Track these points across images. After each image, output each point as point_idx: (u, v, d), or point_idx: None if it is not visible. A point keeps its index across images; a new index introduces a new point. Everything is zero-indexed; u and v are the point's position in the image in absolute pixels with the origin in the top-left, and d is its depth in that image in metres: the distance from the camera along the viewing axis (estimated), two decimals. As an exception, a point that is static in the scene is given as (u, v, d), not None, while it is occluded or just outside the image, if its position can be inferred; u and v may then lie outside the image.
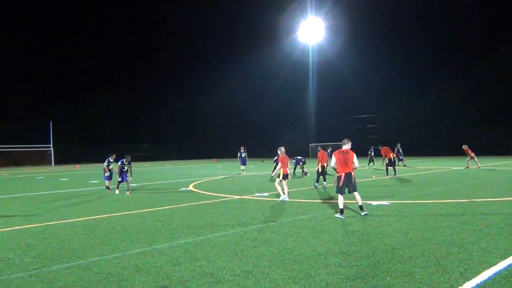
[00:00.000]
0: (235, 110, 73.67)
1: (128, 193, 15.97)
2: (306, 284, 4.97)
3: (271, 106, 67.10)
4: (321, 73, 61.47)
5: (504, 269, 5.36)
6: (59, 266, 6.08)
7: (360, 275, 5.23)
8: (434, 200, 11.86)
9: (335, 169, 9.93)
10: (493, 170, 23.60)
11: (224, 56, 71.19)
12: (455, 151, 35.98)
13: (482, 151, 38.94)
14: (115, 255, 6.62)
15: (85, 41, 68.90)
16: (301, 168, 23.62)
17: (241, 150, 26.71)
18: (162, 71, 74.85)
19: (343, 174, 9.50)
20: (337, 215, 9.48)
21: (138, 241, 7.53)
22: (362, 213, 9.56)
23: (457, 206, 10.52)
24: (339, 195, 9.51)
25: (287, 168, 12.89)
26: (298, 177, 22.10)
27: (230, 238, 7.59)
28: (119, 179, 16.30)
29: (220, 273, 5.49)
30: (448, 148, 47.20)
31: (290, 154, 31.92)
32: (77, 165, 52.54)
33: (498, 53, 49.17)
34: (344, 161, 9.57)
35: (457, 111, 51.85)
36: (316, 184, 16.60)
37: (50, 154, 59.75)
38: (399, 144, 31.23)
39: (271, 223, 8.94)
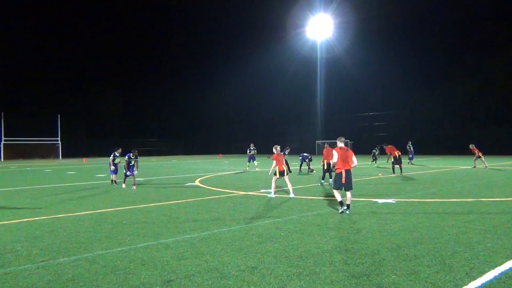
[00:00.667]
0: (242, 106, 73.65)
1: (134, 187, 16.06)
2: (311, 280, 4.99)
3: (278, 103, 66.98)
4: (329, 70, 61.24)
5: (510, 269, 5.34)
6: (66, 258, 6.14)
7: (365, 273, 5.24)
8: (440, 199, 11.82)
9: (333, 166, 9.96)
10: (500, 170, 23.45)
11: (233, 52, 71.06)
12: (463, 150, 35.74)
13: (490, 150, 38.69)
14: (121, 248, 6.67)
15: (94, 35, 69.06)
16: (307, 165, 23.59)
17: (250, 147, 26.75)
18: (171, 66, 74.91)
19: (343, 171, 9.63)
20: (340, 209, 9.65)
21: (144, 235, 7.58)
22: (347, 211, 9.59)
23: (464, 205, 10.47)
24: (335, 191, 9.77)
25: (283, 165, 12.92)
26: (304, 174, 22.10)
27: (235, 233, 7.62)
28: (128, 173, 16.36)
29: (225, 268, 5.52)
30: (455, 147, 46.91)
31: (296, 151, 31.95)
32: (84, 159, 52.87)
33: (508, 52, 48.65)
34: (346, 158, 9.73)
35: (465, 110, 51.46)
36: (322, 181, 16.61)
37: (58, 148, 60.26)
38: (410, 142, 31.10)
39: (276, 220, 8.96)
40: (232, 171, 25.76)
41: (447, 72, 53.02)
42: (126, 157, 16.47)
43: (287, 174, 13.01)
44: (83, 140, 65.04)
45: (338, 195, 9.84)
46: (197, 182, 18.30)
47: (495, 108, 49.43)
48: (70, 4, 66.99)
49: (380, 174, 21.12)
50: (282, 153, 13.77)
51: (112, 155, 17.70)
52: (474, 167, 25.24)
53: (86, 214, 10.12)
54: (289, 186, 12.94)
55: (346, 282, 4.91)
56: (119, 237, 7.45)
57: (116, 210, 10.71)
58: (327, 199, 12.15)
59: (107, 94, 67.24)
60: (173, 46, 74.58)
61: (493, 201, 11.27)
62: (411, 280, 4.94)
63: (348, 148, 10.01)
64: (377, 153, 28.69)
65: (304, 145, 55.41)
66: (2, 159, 54.64)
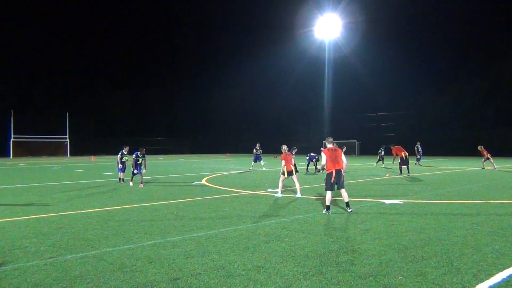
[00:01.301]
0: (249, 105, 73.66)
1: (141, 185, 16.13)
2: (317, 280, 4.98)
3: (286, 102, 66.94)
4: (337, 70, 61.02)
5: (519, 271, 5.30)
6: (74, 255, 6.18)
7: (372, 274, 5.22)
8: (448, 200, 11.74)
9: (324, 167, 10.01)
10: (509, 171, 23.25)
11: (240, 51, 71.09)
12: (471, 152, 35.50)
13: (499, 152, 38.39)
14: (128, 246, 6.70)
15: (102, 34, 69.50)
16: (314, 165, 23.56)
17: (257, 147, 26.75)
18: (178, 65, 75.14)
19: (334, 171, 9.69)
20: (324, 211, 9.69)
21: (151, 233, 7.62)
22: (349, 210, 9.68)
23: (472, 207, 10.40)
24: (328, 192, 9.74)
25: (291, 165, 12.92)
26: (311, 174, 22.07)
27: (242, 232, 7.63)
28: (135, 171, 16.44)
29: (231, 267, 5.53)
30: (464, 148, 46.58)
31: (303, 151, 31.92)
32: (92, 157, 53.18)
33: (517, 53, 48.31)
34: (335, 158, 9.80)
35: (474, 111, 51.08)
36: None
37: (66, 145, 60.71)
38: (418, 143, 30.95)
39: (283, 219, 8.96)
40: (239, 171, 25.78)
41: (456, 72, 52.68)
42: (134, 155, 16.54)
43: (294, 173, 13.01)
44: (91, 138, 65.51)
45: (329, 197, 9.75)
46: (204, 181, 18.34)
47: (505, 109, 49.00)
48: (79, 3, 67.45)
49: (387, 175, 21.03)
50: (290, 152, 13.79)
51: (120, 153, 17.79)
52: (483, 168, 25.05)
53: (94, 211, 10.19)
54: (297, 186, 12.93)
55: (352, 283, 4.90)
56: (126, 235, 7.49)
57: (123, 208, 10.77)
58: (334, 200, 12.11)
59: (115, 93, 67.66)
60: (181, 45, 74.85)
61: (502, 203, 11.18)
62: (418, 282, 4.92)
63: (337, 148, 10.15)
64: (382, 153, 28.56)
65: (311, 145, 55.23)
66: (11, 156, 55.11)
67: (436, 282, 4.89)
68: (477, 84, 50.40)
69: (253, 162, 26.70)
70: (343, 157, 10.02)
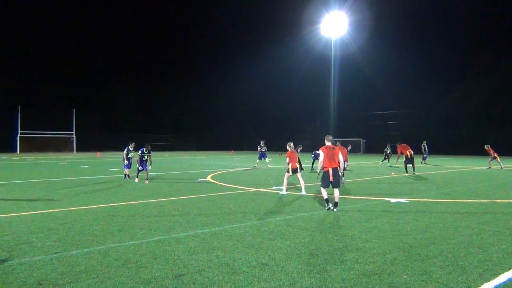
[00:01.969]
0: (255, 103, 73.63)
1: (147, 181, 16.18)
2: (321, 278, 4.98)
3: (292, 100, 66.82)
4: (343, 68, 60.82)
5: (524, 271, 5.26)
6: (80, 250, 6.22)
7: (376, 272, 5.21)
8: (454, 199, 11.69)
9: (321, 165, 10.03)
10: (516, 171, 23.09)
11: (247, 49, 71.04)
12: (478, 151, 35.30)
13: (506, 151, 38.11)
14: (133, 242, 6.73)
15: (109, 30, 69.69)
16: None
17: (261, 144, 26.76)
18: (185, 62, 75.18)
19: (330, 169, 9.75)
20: (327, 207, 9.77)
21: (156, 229, 7.64)
22: (335, 209, 9.67)
23: (478, 206, 10.35)
24: (323, 189, 9.87)
25: (296, 163, 12.92)
26: (316, 172, 21.99)
27: (246, 230, 7.63)
28: (140, 167, 16.51)
29: (236, 264, 5.53)
30: (470, 147, 46.30)
31: (309, 148, 31.84)
32: (98, 153, 53.43)
33: (525, 51, 47.89)
34: (332, 156, 9.85)
35: (481, 110, 50.74)
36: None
37: (72, 141, 61.06)
38: (425, 142, 30.84)
39: (288, 217, 8.96)
40: (244, 168, 25.80)
41: (463, 71, 52.32)
42: (140, 151, 16.60)
43: (299, 171, 13.01)
44: (97, 134, 65.83)
45: (325, 193, 9.93)
46: (209, 178, 18.37)
47: (512, 108, 48.66)
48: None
49: (393, 173, 20.96)
50: (295, 150, 13.78)
51: (126, 150, 17.85)
52: (489, 168, 24.90)
53: (100, 207, 10.23)
54: (301, 183, 12.92)
55: (357, 281, 4.89)
56: (132, 231, 7.52)
57: (128, 204, 10.81)
58: (339, 197, 12.08)
59: (121, 89, 67.87)
60: (188, 42, 74.92)
61: (508, 202, 11.11)
62: (423, 281, 4.90)
63: (335, 147, 10.15)
64: (388, 151, 28.45)
65: (316, 142, 55.11)
66: (18, 152, 55.51)
67: (441, 281, 4.87)
68: (484, 83, 50.01)
69: (258, 160, 26.70)
70: (341, 156, 10.11)
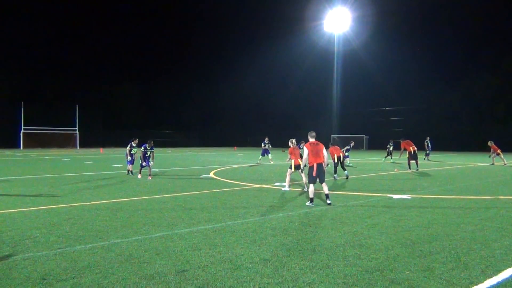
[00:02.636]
0: (258, 99, 73.53)
1: (150, 178, 16.21)
2: (324, 274, 4.99)
3: (294, 96, 66.70)
4: (346, 64, 60.69)
5: (527, 268, 5.26)
6: (83, 246, 6.24)
7: (379, 268, 5.22)
8: (457, 195, 11.67)
9: (306, 162, 10.26)
10: (520, 167, 23.03)
11: (249, 45, 70.84)
12: (481, 147, 35.19)
13: (510, 148, 37.94)
14: (136, 238, 6.75)
15: (113, 26, 69.60)
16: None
17: (265, 141, 26.76)
18: (188, 58, 75.13)
19: (315, 165, 9.94)
20: (308, 203, 9.91)
21: (159, 225, 7.67)
22: (328, 202, 9.90)
23: (481, 203, 10.33)
24: (311, 185, 9.98)
25: (298, 159, 12.94)
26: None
27: (249, 226, 7.65)
28: (144, 164, 16.53)
29: (238, 260, 5.55)
30: (474, 143, 46.17)
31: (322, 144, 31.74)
32: (101, 149, 53.55)
33: (529, 48, 47.68)
34: (316, 153, 10.05)
35: (485, 106, 50.56)
36: (335, 175, 16.58)
37: (76, 137, 61.21)
38: (428, 138, 30.78)
39: (290, 213, 8.97)
40: (247, 164, 25.81)
41: (467, 67, 52.09)
42: (142, 147, 16.63)
43: (302, 168, 13.01)
44: (100, 131, 65.92)
45: (312, 190, 9.99)
46: (211, 174, 18.39)
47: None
48: (89, -4, 67.54)
49: (396, 170, 20.93)
50: (298, 146, 13.79)
51: (129, 146, 17.89)
52: (493, 164, 24.83)
53: (103, 203, 10.27)
54: (304, 180, 12.92)
55: (359, 277, 4.90)
56: (135, 227, 7.54)
57: (131, 200, 10.84)
58: (341, 194, 12.11)
59: (124, 85, 67.92)
60: (191, 38, 74.77)
61: (511, 199, 11.08)
62: (425, 277, 4.90)
63: (318, 143, 10.33)
64: (391, 148, 28.39)
65: (319, 139, 54.97)
66: (21, 148, 55.69)
67: (443, 278, 4.88)
68: (488, 79, 49.79)
69: (260, 156, 26.70)
70: (324, 151, 10.27)
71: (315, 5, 59.72)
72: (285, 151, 14.43)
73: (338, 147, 17.30)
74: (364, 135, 58.97)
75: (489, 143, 25.40)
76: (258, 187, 13.78)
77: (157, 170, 19.89)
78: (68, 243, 6.40)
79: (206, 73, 76.01)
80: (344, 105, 63.44)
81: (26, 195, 11.57)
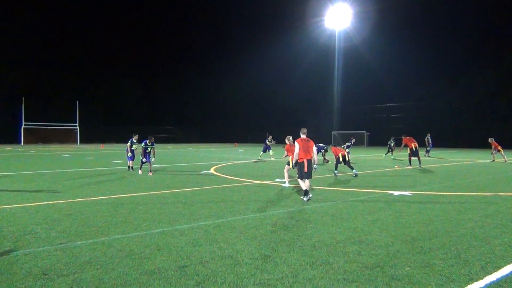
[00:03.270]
0: (258, 95, 73.48)
1: (150, 173, 16.23)
2: (324, 270, 5.00)
3: (295, 92, 66.63)
4: (347, 60, 60.57)
5: (527, 264, 5.26)
6: (84, 241, 6.26)
7: (379, 264, 5.23)
8: (457, 192, 11.67)
9: (296, 157, 10.45)
10: (520, 164, 23.01)
11: (251, 41, 70.65)
12: (482, 144, 35.16)
13: (510, 144, 37.94)
14: (137, 233, 6.77)
15: (112, 22, 69.42)
16: (322, 156, 23.55)
17: (268, 139, 26.78)
18: (188, 55, 75.04)
19: (305, 160, 10.23)
20: (303, 197, 10.08)
21: (160, 221, 7.68)
22: (305, 199, 10.03)
23: (481, 200, 10.33)
24: (300, 180, 10.32)
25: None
26: (318, 165, 22.01)
27: (249, 222, 7.66)
28: (144, 160, 16.55)
29: (239, 256, 5.56)
30: (474, 140, 46.14)
31: (313, 141, 31.73)
32: (101, 145, 53.57)
33: (531, 44, 47.49)
34: (307, 149, 10.33)
35: (485, 103, 50.42)
36: (336, 171, 16.59)
37: (76, 133, 61.26)
38: (429, 135, 30.76)
39: (290, 209, 8.98)
40: (247, 160, 25.83)
41: (468, 64, 51.95)
42: (143, 144, 16.64)
43: (292, 166, 13.00)
44: (101, 126, 65.96)
45: (302, 184, 10.29)
46: (212, 170, 18.40)
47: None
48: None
49: (396, 166, 20.93)
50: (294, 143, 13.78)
51: (129, 142, 17.89)
52: (493, 161, 24.83)
53: (103, 199, 10.28)
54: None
55: (359, 273, 4.91)
56: (135, 222, 7.56)
57: (132, 195, 10.85)
58: (342, 190, 12.12)
59: (125, 81, 67.87)
60: (192, 34, 74.63)
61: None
62: (425, 273, 4.91)
63: (309, 139, 10.55)
64: (392, 144, 28.39)
65: (320, 135, 55.06)
66: (22, 143, 55.73)
67: (443, 274, 4.88)
68: (489, 76, 49.67)
69: (261, 152, 26.72)
70: (314, 148, 10.62)
71: (316, 1, 59.58)
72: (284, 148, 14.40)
73: (339, 148, 17.51)
74: (364, 132, 58.95)
75: (489, 140, 25.39)
76: (259, 183, 13.79)
77: (157, 166, 19.90)
78: (69, 239, 6.41)
79: (207, 69, 75.94)
80: (345, 101, 63.36)
81: (27, 191, 11.59)
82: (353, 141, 25.30)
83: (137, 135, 18.07)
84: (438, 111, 54.06)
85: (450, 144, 48.44)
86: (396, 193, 11.37)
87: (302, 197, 10.15)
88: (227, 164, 22.54)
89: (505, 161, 24.15)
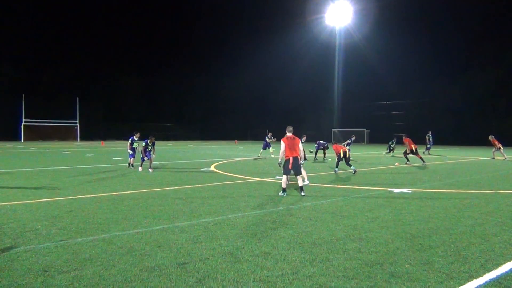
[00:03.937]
0: (259, 92, 73.41)
1: (151, 170, 16.24)
2: (324, 267, 5.01)
3: (296, 89, 66.55)
4: (347, 58, 60.51)
5: (527, 262, 5.27)
6: (84, 238, 6.27)
7: (379, 261, 5.24)
8: (457, 190, 11.68)
9: (282, 155, 10.73)
10: (520, 162, 23.01)
11: (251, 38, 70.56)
12: (482, 141, 35.14)
13: (511, 142, 37.92)
14: (137, 230, 6.78)
15: (112, 19, 69.34)
16: (323, 153, 23.58)
17: (268, 136, 26.75)
18: (189, 52, 74.89)
19: (291, 158, 10.47)
20: (280, 193, 10.53)
21: (160, 218, 7.69)
22: (302, 194, 10.39)
23: (481, 197, 10.34)
24: (284, 176, 10.60)
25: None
26: (319, 162, 22.04)
27: (250, 219, 7.67)
28: (144, 157, 16.58)
29: (239, 253, 5.57)
30: (475, 138, 46.10)
31: (313, 138, 31.73)
32: (102, 142, 53.59)
33: (532, 41, 47.42)
34: (293, 146, 10.56)
35: (486, 100, 50.38)
36: (336, 169, 16.58)
37: (77, 130, 61.23)
38: (430, 132, 30.77)
39: (290, 206, 8.99)
40: (248, 157, 25.83)
41: (468, 61, 51.88)
42: (144, 143, 16.66)
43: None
44: (101, 124, 65.95)
45: (284, 180, 10.58)
46: (212, 168, 18.41)
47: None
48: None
49: (397, 164, 20.94)
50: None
51: (130, 139, 17.89)
52: (493, 158, 24.83)
53: (104, 196, 10.30)
54: (304, 174, 12.89)
55: (359, 270, 4.92)
56: (136, 219, 7.57)
57: (132, 192, 10.87)
58: (342, 187, 12.13)
59: (125, 78, 67.84)
60: (192, 31, 74.53)
61: (511, 193, 11.10)
62: (425, 270, 4.93)
63: (295, 137, 10.75)
64: (393, 145, 28.35)
65: (320, 132, 55.08)
66: (22, 140, 55.73)
67: (443, 271, 4.90)
68: (490, 73, 49.60)
69: (261, 149, 26.71)
70: (301, 145, 10.85)
71: (317, -2, 59.44)
72: None
73: (340, 145, 17.55)
74: (365, 129, 58.92)
75: (490, 138, 25.37)
76: (259, 180, 13.80)
77: (157, 163, 19.91)
78: (69, 236, 6.42)
79: (208, 66, 75.87)
80: (345, 98, 63.31)
81: (27, 188, 11.60)
82: (353, 138, 25.30)
83: (139, 133, 18.07)
84: (439, 108, 54.02)
85: (450, 141, 48.42)
86: (396, 190, 11.38)
87: (282, 193, 10.46)
88: (227, 161, 22.55)
89: (505, 159, 24.15)
